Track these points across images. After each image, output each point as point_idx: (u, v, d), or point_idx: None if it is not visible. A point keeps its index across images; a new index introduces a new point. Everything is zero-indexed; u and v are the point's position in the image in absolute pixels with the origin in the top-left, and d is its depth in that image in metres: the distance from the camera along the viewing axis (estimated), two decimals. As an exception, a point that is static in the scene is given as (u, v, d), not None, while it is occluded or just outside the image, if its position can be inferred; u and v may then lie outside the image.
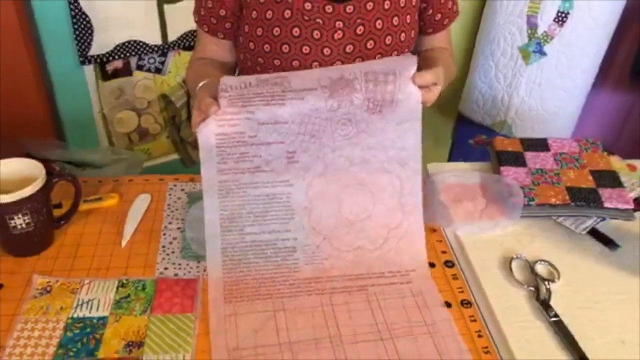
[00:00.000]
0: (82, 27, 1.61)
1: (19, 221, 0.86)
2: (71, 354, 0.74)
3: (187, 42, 1.84)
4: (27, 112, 1.60)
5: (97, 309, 0.81)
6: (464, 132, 2.12)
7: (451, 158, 2.22)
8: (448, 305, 0.85)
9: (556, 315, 0.82)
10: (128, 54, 1.75)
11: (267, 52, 1.03)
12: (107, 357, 0.74)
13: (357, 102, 0.85)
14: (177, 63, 1.88)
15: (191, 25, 1.64)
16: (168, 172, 1.13)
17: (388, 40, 1.04)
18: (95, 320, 0.79)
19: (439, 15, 1.11)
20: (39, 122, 1.64)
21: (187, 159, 2.07)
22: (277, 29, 1.01)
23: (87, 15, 1.60)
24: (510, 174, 1.07)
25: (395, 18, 1.04)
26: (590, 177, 1.07)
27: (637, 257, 0.95)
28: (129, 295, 0.84)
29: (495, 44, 1.92)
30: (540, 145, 1.16)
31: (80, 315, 0.80)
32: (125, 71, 1.79)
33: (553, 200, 1.01)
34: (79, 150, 1.56)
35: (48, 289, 0.84)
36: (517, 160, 1.11)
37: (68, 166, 1.49)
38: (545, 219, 1.03)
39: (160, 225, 0.98)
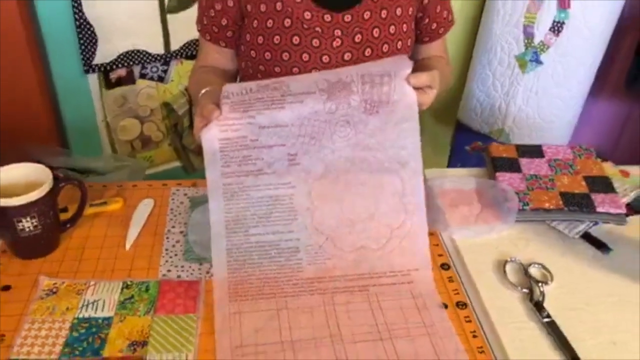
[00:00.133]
0: (86, 36, 1.63)
1: (27, 224, 0.87)
2: (77, 352, 0.76)
3: (189, 51, 1.86)
4: (32, 119, 1.62)
5: (102, 310, 0.83)
6: (463, 139, 2.12)
7: (450, 165, 2.23)
8: (444, 306, 0.86)
9: (549, 317, 0.84)
10: (131, 63, 1.77)
11: (267, 59, 1.06)
12: (112, 356, 0.76)
13: (355, 103, 0.87)
14: (180, 72, 1.89)
15: (193, 34, 1.68)
16: (170, 179, 1.14)
17: (385, 48, 1.07)
18: (100, 321, 0.81)
19: (435, 25, 1.14)
20: (43, 129, 1.66)
21: (188, 166, 2.08)
22: (277, 37, 1.04)
23: (91, 25, 1.63)
24: (506, 179, 1.09)
25: (392, 27, 1.06)
26: (583, 183, 1.08)
27: (628, 261, 0.96)
28: (133, 296, 0.85)
29: (492, 53, 1.94)
30: (535, 151, 1.17)
31: (86, 315, 0.82)
32: (129, 80, 1.81)
33: (547, 205, 1.03)
34: (82, 157, 1.57)
35: (54, 290, 0.85)
36: (512, 166, 1.13)
37: (71, 173, 1.50)
38: (539, 224, 1.04)
39: (163, 228, 1.00)
